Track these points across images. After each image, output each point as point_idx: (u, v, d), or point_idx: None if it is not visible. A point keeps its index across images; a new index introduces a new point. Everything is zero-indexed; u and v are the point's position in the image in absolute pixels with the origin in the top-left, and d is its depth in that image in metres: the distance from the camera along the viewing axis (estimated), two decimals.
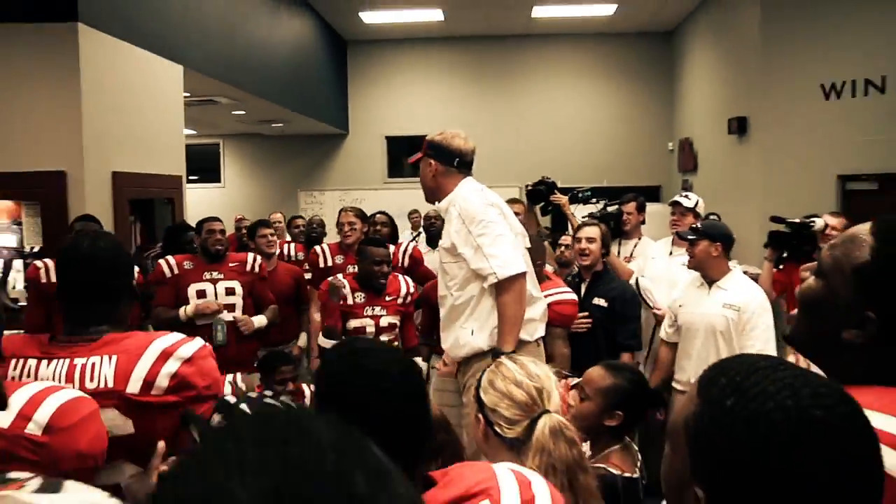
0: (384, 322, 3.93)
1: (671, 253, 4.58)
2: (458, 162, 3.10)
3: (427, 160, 3.14)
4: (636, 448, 2.22)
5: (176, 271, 4.21)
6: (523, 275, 2.93)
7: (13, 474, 0.89)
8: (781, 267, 4.53)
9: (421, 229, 8.00)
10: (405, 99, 11.19)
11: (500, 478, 1.22)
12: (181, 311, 4.10)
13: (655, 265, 4.59)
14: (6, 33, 4.19)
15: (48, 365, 1.65)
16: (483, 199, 3.03)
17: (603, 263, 4.10)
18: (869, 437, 0.79)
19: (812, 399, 0.77)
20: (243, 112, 8.66)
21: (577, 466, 1.60)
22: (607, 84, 11.00)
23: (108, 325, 1.72)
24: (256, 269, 4.42)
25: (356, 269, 4.18)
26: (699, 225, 3.78)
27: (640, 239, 4.92)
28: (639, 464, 2.14)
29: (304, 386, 3.84)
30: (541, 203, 4.96)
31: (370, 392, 1.17)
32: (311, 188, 11.56)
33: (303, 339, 5.01)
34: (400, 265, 4.57)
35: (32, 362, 1.67)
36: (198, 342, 1.73)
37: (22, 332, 3.37)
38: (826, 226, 4.38)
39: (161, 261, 4.29)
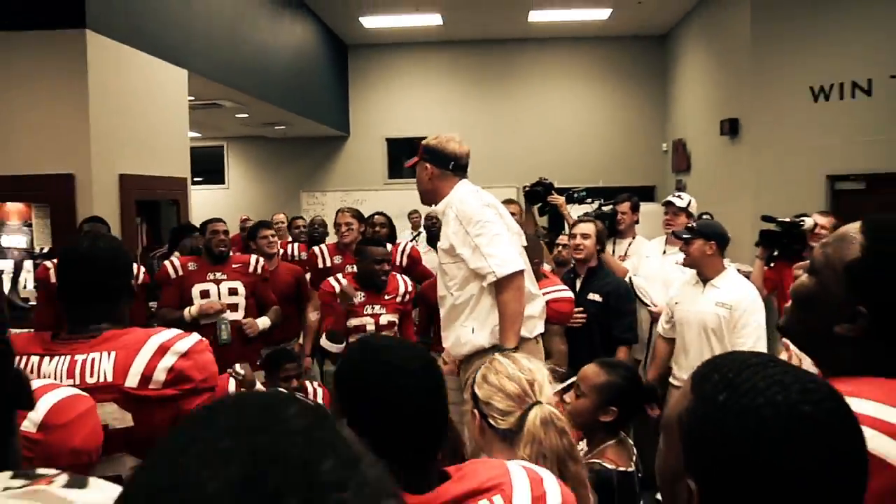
0: (383, 320, 3.95)
1: (665, 252, 4.61)
2: (454, 165, 3.13)
3: (423, 164, 3.16)
4: (631, 442, 2.24)
5: (181, 272, 4.26)
6: (521, 272, 2.95)
7: (40, 470, 0.88)
8: (772, 265, 4.57)
9: (421, 229, 8.08)
10: (405, 101, 11.25)
11: (513, 474, 1.24)
12: (185, 311, 4.14)
13: (649, 264, 4.63)
14: (16, 40, 4.24)
15: (50, 361, 1.66)
16: (479, 199, 3.06)
17: (598, 260, 4.12)
18: (855, 432, 0.80)
19: (801, 395, 0.79)
20: (247, 115, 8.68)
21: (568, 456, 1.62)
22: (603, 86, 11.06)
23: (108, 323, 1.74)
24: (259, 270, 4.45)
25: (355, 269, 4.20)
26: (695, 224, 3.80)
27: (634, 238, 4.96)
28: (634, 458, 2.16)
29: (308, 383, 3.82)
30: (538, 203, 5.01)
31: (393, 387, 1.18)
32: (313, 189, 11.62)
33: (304, 338, 5.02)
34: (398, 265, 4.58)
35: (35, 359, 1.68)
36: (194, 337, 1.75)
37: (32, 330, 3.37)
38: (815, 225, 4.41)
39: (166, 262, 4.33)
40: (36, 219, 4.61)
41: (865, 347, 1.15)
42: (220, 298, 4.26)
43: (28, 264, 4.65)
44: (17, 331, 2.63)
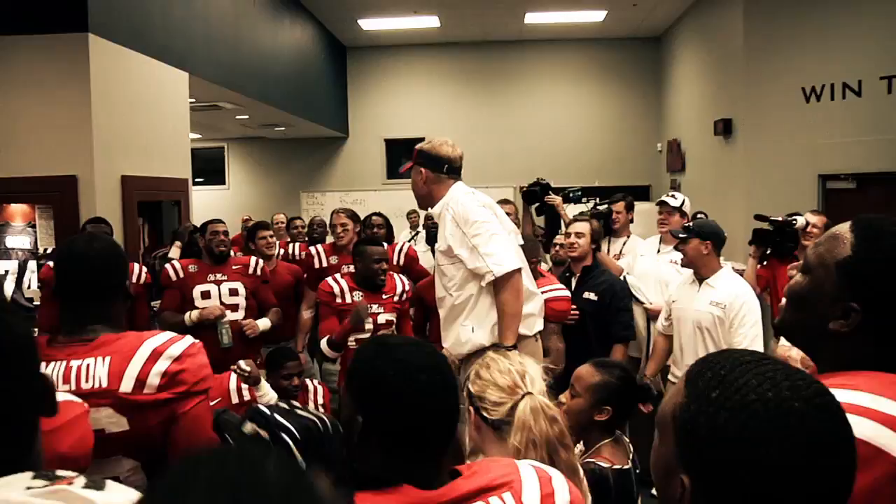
0: (381, 319, 3.96)
1: (659, 250, 4.64)
2: (448, 168, 3.15)
3: (417, 168, 3.18)
4: (627, 440, 2.26)
5: (181, 275, 4.27)
6: (519, 270, 2.97)
7: (59, 472, 0.90)
8: (765, 263, 4.63)
9: (420, 228, 8.14)
10: (403, 103, 11.30)
11: (523, 472, 1.26)
12: (186, 316, 4.16)
13: (644, 262, 4.66)
14: (20, 44, 4.29)
15: (46, 367, 1.63)
16: (475, 200, 3.08)
17: (593, 258, 4.14)
18: (843, 428, 0.82)
19: (791, 391, 0.81)
20: (247, 116, 8.72)
21: (558, 443, 1.64)
22: (598, 87, 11.12)
23: (103, 325, 1.73)
24: (259, 272, 4.47)
25: (352, 269, 4.21)
26: (691, 224, 3.82)
27: (628, 237, 5.00)
28: (631, 455, 2.19)
29: (309, 381, 3.84)
30: (536, 203, 5.05)
31: (409, 386, 1.17)
32: (313, 189, 11.67)
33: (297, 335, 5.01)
34: (395, 264, 4.58)
35: None
36: (187, 340, 1.75)
37: (36, 330, 3.40)
38: (807, 223, 4.47)
39: (167, 265, 4.35)
40: (40, 220, 4.62)
41: (859, 342, 1.18)
42: (220, 299, 4.28)
43: (32, 265, 4.66)
44: None
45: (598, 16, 9.67)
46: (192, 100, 6.09)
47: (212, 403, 3.34)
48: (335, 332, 3.87)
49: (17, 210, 4.64)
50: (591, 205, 5.40)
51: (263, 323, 4.37)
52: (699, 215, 6.26)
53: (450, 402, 1.22)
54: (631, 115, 11.04)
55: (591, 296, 4.01)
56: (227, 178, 12.04)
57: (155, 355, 1.67)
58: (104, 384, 1.62)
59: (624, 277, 4.48)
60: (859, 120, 6.47)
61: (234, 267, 4.41)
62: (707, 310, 3.59)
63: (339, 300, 3.99)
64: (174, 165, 5.43)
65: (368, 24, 9.88)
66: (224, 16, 6.60)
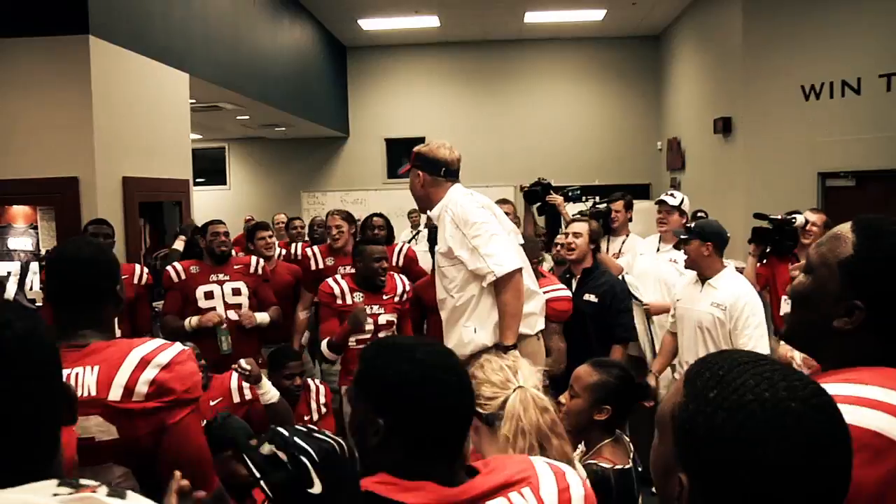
0: (382, 320, 3.96)
1: (658, 249, 4.64)
2: (445, 171, 3.15)
3: (415, 171, 3.19)
4: (627, 439, 2.27)
5: (183, 276, 4.29)
6: (520, 270, 2.98)
7: (82, 480, 0.91)
8: (764, 261, 4.62)
9: (421, 227, 8.13)
10: (403, 102, 11.32)
11: (538, 467, 1.28)
12: (186, 322, 4.18)
13: (643, 261, 4.66)
14: (21, 46, 4.30)
15: None
16: (474, 202, 3.09)
17: (593, 259, 4.12)
18: (840, 428, 0.83)
19: (787, 392, 0.82)
20: (247, 117, 8.74)
21: (550, 431, 1.66)
22: (598, 86, 11.14)
23: (94, 331, 1.73)
24: (259, 271, 4.50)
25: (352, 270, 4.20)
26: (693, 224, 3.80)
27: (627, 236, 4.99)
28: (631, 454, 2.19)
29: (311, 381, 3.84)
30: (537, 203, 5.07)
31: (431, 387, 1.18)
32: (314, 189, 11.70)
33: (304, 337, 5.03)
34: (394, 265, 4.57)
35: None
36: (176, 348, 1.74)
37: None
38: (807, 222, 4.47)
39: (168, 267, 4.36)
40: (41, 221, 4.62)
41: (862, 340, 1.20)
42: (223, 299, 4.30)
43: (34, 266, 4.65)
44: None
45: (597, 15, 9.67)
46: (193, 101, 6.09)
47: (213, 403, 3.41)
48: (335, 334, 3.88)
49: (19, 212, 4.64)
50: (590, 204, 5.40)
51: (262, 317, 4.39)
52: (699, 214, 6.28)
53: (467, 401, 1.24)
54: (631, 113, 11.05)
55: (592, 297, 3.99)
56: (228, 178, 12.06)
57: (143, 363, 1.66)
58: (93, 393, 1.61)
59: (622, 277, 4.47)
60: (858, 118, 6.48)
61: (235, 267, 4.43)
62: (708, 310, 3.59)
63: (339, 301, 4.00)
64: (175, 166, 5.45)
65: (368, 23, 9.90)
66: (224, 16, 6.62)
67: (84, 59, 4.31)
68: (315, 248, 4.92)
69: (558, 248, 4.57)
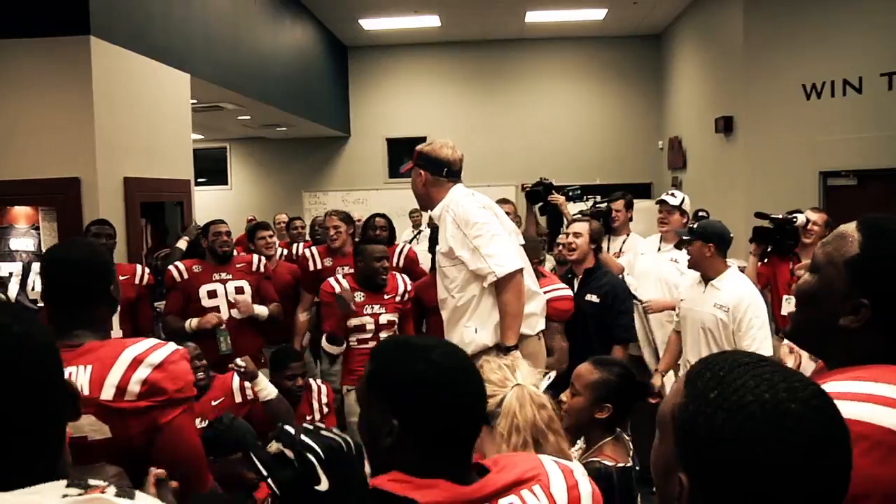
0: (383, 320, 3.98)
1: (660, 249, 4.63)
2: (447, 171, 3.14)
3: (417, 170, 3.18)
4: (627, 438, 2.27)
5: (185, 276, 4.30)
6: (521, 271, 2.98)
7: (91, 480, 0.91)
8: (765, 260, 4.61)
9: (422, 227, 8.13)
10: (404, 102, 11.33)
11: (547, 465, 1.29)
12: (186, 324, 4.20)
13: (645, 260, 4.65)
14: (22, 47, 4.29)
15: None
16: (475, 202, 3.09)
17: (595, 259, 4.11)
18: (839, 429, 0.83)
19: (787, 393, 0.82)
20: (248, 117, 8.74)
21: (547, 428, 1.69)
22: (599, 85, 11.14)
23: (88, 331, 1.74)
24: (262, 269, 4.54)
25: (352, 270, 4.22)
26: (695, 225, 3.79)
27: (628, 235, 4.98)
28: (630, 453, 2.21)
29: (312, 381, 3.86)
30: (539, 203, 5.07)
31: (448, 387, 1.18)
32: (315, 189, 11.71)
33: (305, 338, 5.03)
34: (396, 267, 4.56)
35: None
36: (169, 347, 1.74)
37: None
38: (808, 221, 4.45)
39: (170, 267, 4.37)
40: (43, 222, 4.62)
41: (868, 337, 1.22)
42: (227, 297, 4.32)
43: (36, 266, 4.65)
44: None
45: (598, 14, 9.68)
46: (194, 101, 6.09)
47: (215, 403, 3.42)
48: (331, 325, 3.91)
49: (21, 212, 4.64)
50: (590, 203, 5.40)
51: (261, 309, 4.40)
52: (700, 213, 6.27)
53: (482, 400, 1.26)
54: (632, 112, 11.05)
55: (593, 298, 3.98)
56: (230, 178, 12.08)
57: (135, 363, 1.67)
58: (86, 392, 1.60)
59: (622, 276, 4.46)
60: (860, 117, 6.48)
61: (238, 265, 4.46)
62: (711, 311, 3.58)
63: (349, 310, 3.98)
64: (176, 166, 5.45)
65: (369, 23, 9.91)
66: (224, 16, 6.62)
67: (85, 60, 4.31)
68: (313, 248, 4.93)
69: (560, 248, 4.56)
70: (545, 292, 3.52)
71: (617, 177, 10.32)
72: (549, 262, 5.12)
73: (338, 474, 1.24)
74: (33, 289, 4.66)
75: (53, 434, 1.00)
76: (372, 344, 3.98)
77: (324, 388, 3.84)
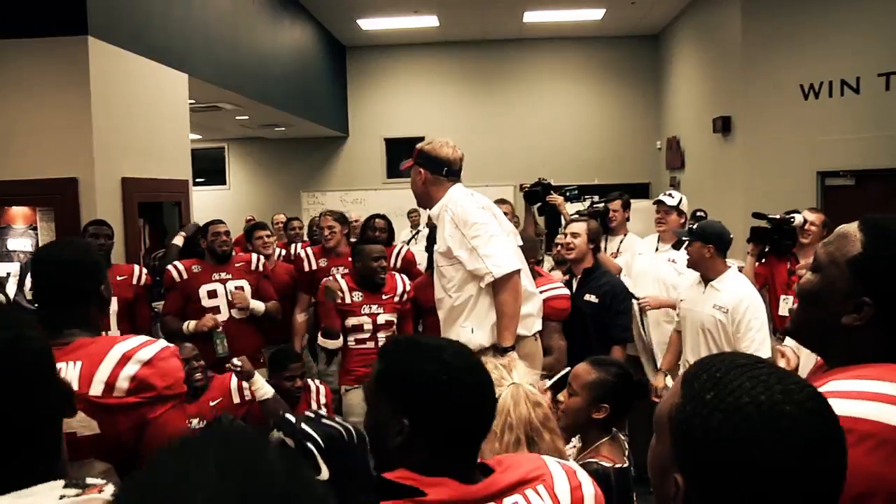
0: (381, 320, 3.99)
1: (657, 249, 4.63)
2: (447, 170, 3.13)
3: (417, 168, 3.17)
4: (623, 438, 2.28)
5: (185, 276, 4.30)
6: (518, 272, 2.98)
7: (89, 480, 0.92)
8: (763, 261, 4.62)
9: (420, 227, 8.13)
10: (403, 102, 11.33)
11: (550, 466, 1.30)
12: (184, 326, 4.20)
13: (642, 261, 4.65)
14: (20, 47, 4.29)
15: None
16: (474, 202, 3.09)
17: (593, 259, 4.11)
18: (835, 431, 0.84)
19: (783, 395, 0.83)
20: (247, 117, 8.74)
21: (542, 426, 1.69)
22: (597, 85, 11.15)
23: (80, 329, 1.74)
24: (261, 268, 4.55)
25: (349, 270, 4.23)
26: (695, 226, 3.79)
27: (625, 235, 5.01)
28: (626, 452, 2.21)
29: (311, 382, 3.87)
30: (538, 203, 5.07)
31: (459, 387, 1.19)
32: (313, 189, 11.70)
33: (304, 339, 5.04)
34: (393, 268, 4.57)
35: None
36: (159, 344, 1.75)
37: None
38: (805, 221, 4.45)
39: (169, 267, 4.37)
40: (41, 222, 4.62)
41: (870, 336, 1.24)
42: (227, 297, 4.33)
43: None
44: None
45: (596, 14, 9.68)
46: (192, 101, 6.08)
47: (213, 403, 3.42)
48: (326, 320, 3.91)
49: (19, 213, 4.64)
50: (587, 203, 5.40)
51: (257, 304, 4.40)
52: (698, 213, 6.28)
53: (492, 400, 1.26)
54: (630, 112, 11.06)
55: (592, 298, 3.98)
56: (228, 178, 12.07)
57: (124, 359, 1.67)
58: (75, 388, 1.60)
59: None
60: (858, 117, 6.48)
61: (237, 265, 4.47)
62: (710, 312, 3.58)
63: (338, 300, 4.01)
64: (174, 167, 5.44)
65: (368, 23, 9.90)
66: (223, 16, 6.61)
67: (83, 60, 4.30)
68: (308, 249, 4.93)
69: (558, 248, 4.57)
70: (542, 292, 3.52)
71: (615, 177, 10.34)
72: (548, 263, 5.13)
73: (338, 463, 1.24)
74: (31, 289, 4.65)
75: (50, 434, 1.00)
76: (370, 344, 3.99)
77: (322, 389, 3.85)
